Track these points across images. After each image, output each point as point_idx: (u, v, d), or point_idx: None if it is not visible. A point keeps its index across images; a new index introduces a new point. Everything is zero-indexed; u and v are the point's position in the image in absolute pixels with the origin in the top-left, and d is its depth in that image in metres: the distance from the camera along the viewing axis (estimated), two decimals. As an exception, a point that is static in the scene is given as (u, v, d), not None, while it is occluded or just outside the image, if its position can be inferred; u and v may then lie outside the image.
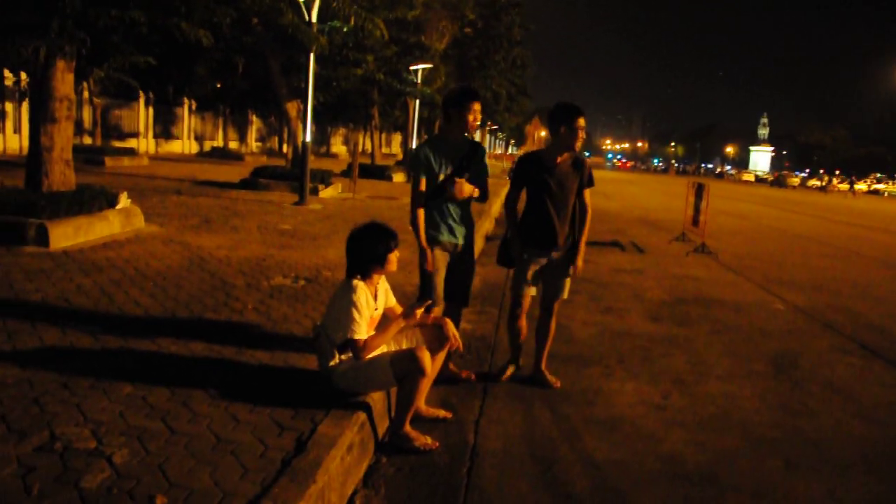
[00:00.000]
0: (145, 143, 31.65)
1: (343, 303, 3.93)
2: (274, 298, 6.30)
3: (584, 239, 5.14)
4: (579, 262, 5.11)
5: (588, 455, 4.04)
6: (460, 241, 4.89)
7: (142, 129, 31.77)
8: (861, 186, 79.98)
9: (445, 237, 4.84)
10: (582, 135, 5.00)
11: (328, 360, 3.98)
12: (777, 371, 5.99)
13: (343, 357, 3.98)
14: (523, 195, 5.19)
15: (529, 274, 5.13)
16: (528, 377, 5.22)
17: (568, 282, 5.20)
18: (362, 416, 3.84)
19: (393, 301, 4.35)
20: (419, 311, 4.03)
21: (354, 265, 4.08)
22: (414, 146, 28.36)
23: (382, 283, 4.24)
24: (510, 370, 5.26)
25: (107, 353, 4.51)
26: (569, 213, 5.06)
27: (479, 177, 4.92)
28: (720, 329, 7.32)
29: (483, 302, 7.51)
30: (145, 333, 4.95)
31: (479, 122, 4.82)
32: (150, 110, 32.27)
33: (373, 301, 4.08)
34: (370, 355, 3.94)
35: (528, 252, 5.09)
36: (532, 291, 5.17)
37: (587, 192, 5.15)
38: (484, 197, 4.96)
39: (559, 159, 5.03)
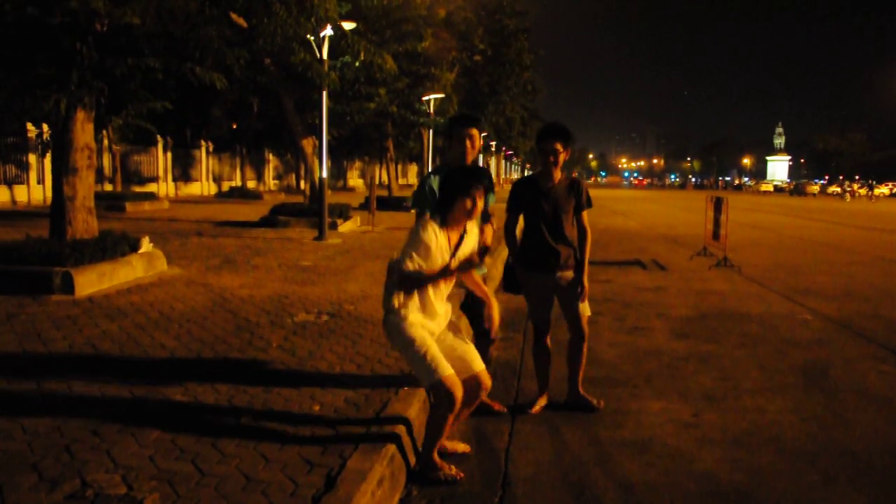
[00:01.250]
0: (165, 187, 32.06)
1: (409, 234, 3.83)
2: (298, 335, 6.32)
3: (587, 259, 5.00)
4: (585, 281, 4.95)
5: (620, 478, 3.99)
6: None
7: (161, 173, 32.22)
8: (883, 190, 79.57)
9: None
10: (557, 158, 4.84)
11: (389, 297, 3.87)
12: (808, 382, 5.91)
13: (403, 299, 3.86)
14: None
15: (540, 298, 5.07)
16: (565, 403, 5.13)
17: (583, 294, 5.01)
18: (391, 448, 3.82)
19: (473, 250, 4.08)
20: (473, 270, 3.92)
21: (441, 202, 3.89)
22: (429, 176, 28.53)
23: (472, 233, 4.05)
24: (542, 401, 5.10)
25: (134, 398, 4.54)
26: (566, 235, 4.93)
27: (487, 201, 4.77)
28: (747, 343, 7.24)
29: (507, 328, 7.49)
30: (172, 376, 4.98)
31: (478, 148, 4.61)
32: (169, 154, 32.74)
33: (446, 244, 3.86)
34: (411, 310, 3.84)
35: (532, 276, 5.02)
36: (548, 315, 5.08)
37: (585, 214, 5.03)
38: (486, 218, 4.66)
39: (553, 182, 4.94)
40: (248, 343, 5.97)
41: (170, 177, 33.00)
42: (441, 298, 4.01)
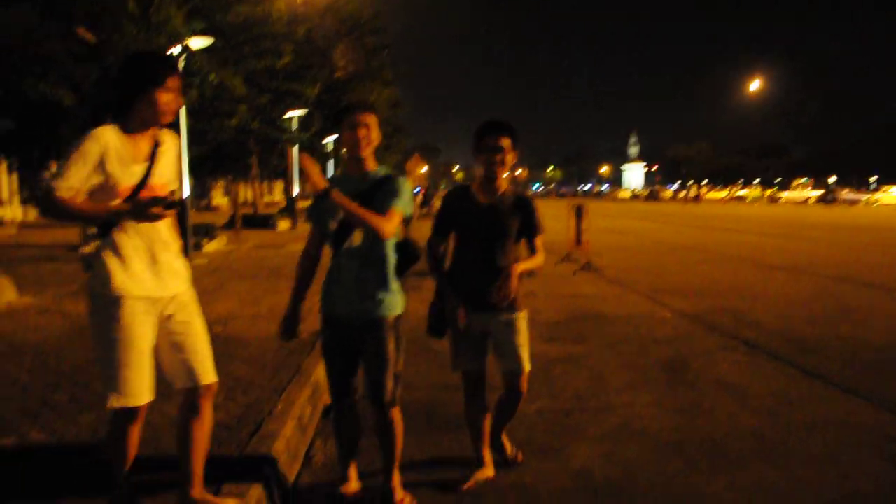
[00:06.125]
0: (11, 212, 30.00)
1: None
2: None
3: (523, 266, 3.83)
4: (508, 280, 3.71)
5: (498, 481, 4.05)
6: (353, 315, 3.51)
7: (6, 196, 30.14)
8: (720, 194, 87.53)
9: (330, 308, 3.59)
10: (501, 158, 3.81)
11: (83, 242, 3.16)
12: (670, 376, 6.23)
13: (93, 242, 3.07)
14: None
15: (469, 343, 3.95)
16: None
17: (524, 348, 3.95)
18: (268, 470, 3.73)
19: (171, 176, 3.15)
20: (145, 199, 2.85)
21: (115, 103, 2.98)
22: (295, 193, 28.11)
23: (169, 147, 3.13)
24: (480, 474, 4.05)
25: (-16, 439, 4.21)
26: (509, 264, 3.82)
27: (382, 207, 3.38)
28: (613, 342, 7.56)
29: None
30: (26, 412, 4.65)
31: (370, 140, 3.47)
32: (14, 176, 30.65)
33: (133, 155, 2.93)
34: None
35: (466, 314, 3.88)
36: (480, 366, 3.99)
37: (538, 241, 3.97)
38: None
39: (495, 195, 3.90)
40: (109, 372, 5.66)
41: (17, 200, 30.92)
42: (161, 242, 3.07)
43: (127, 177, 2.89)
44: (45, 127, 22.60)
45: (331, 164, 37.32)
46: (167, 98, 2.94)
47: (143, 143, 2.98)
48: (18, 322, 7.70)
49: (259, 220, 25.31)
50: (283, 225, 25.21)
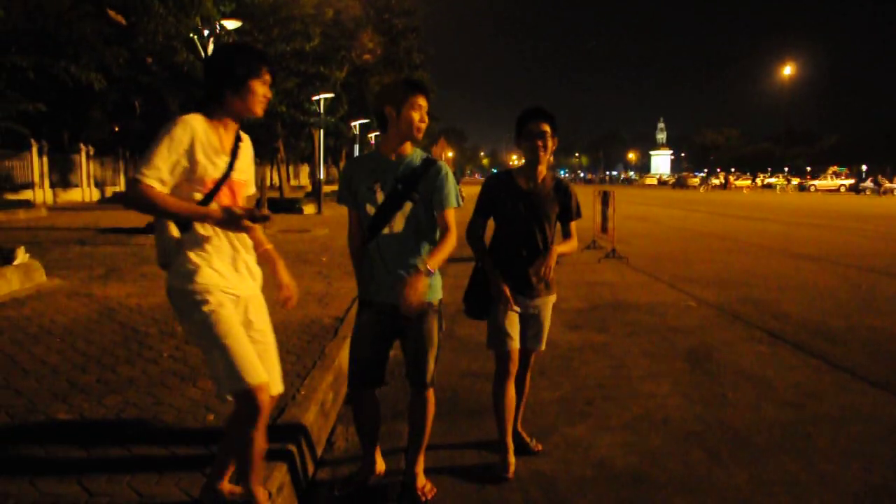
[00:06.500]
0: (42, 194, 30.35)
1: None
2: (190, 344, 6.13)
3: (561, 249, 4.02)
4: (547, 259, 3.88)
5: (519, 470, 4.06)
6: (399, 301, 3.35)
7: (36, 178, 30.47)
8: (746, 182, 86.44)
9: (372, 294, 3.56)
10: (543, 143, 3.92)
11: (162, 237, 3.02)
12: (693, 366, 6.20)
13: (181, 235, 2.95)
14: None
15: (509, 321, 4.00)
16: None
17: (546, 329, 4.20)
18: (291, 453, 3.76)
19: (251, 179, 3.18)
20: (239, 212, 2.79)
21: (207, 94, 3.00)
22: (321, 177, 28.22)
23: (248, 145, 3.14)
24: (512, 463, 4.02)
25: (12, 417, 4.29)
26: (549, 248, 4.02)
27: (433, 207, 3.47)
28: (637, 331, 7.52)
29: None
30: (54, 393, 4.74)
31: (422, 126, 3.43)
32: (45, 159, 31.01)
33: (217, 147, 2.92)
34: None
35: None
36: (517, 344, 4.03)
37: (573, 226, 4.20)
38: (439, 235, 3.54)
39: (536, 180, 4.02)
40: (137, 354, 5.75)
41: (47, 183, 31.25)
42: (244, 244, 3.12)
43: (212, 168, 2.88)
44: (76, 110, 22.84)
45: (356, 149, 37.38)
46: (263, 90, 2.97)
47: (227, 136, 2.98)
48: (47, 304, 7.83)
49: (285, 204, 25.42)
50: (309, 209, 25.32)
